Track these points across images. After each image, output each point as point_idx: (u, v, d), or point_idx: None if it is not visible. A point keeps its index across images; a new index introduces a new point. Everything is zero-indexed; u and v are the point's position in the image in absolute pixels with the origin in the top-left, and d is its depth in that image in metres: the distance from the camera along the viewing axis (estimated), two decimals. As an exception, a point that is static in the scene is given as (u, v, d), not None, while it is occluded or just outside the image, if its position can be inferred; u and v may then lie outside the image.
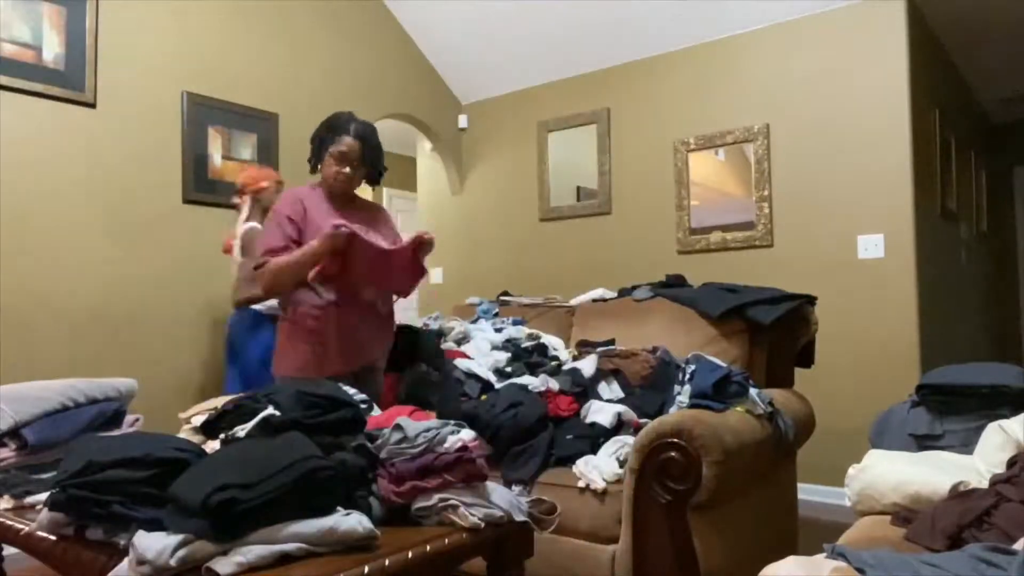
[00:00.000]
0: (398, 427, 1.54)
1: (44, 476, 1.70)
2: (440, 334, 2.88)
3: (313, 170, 2.53)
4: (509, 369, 2.61)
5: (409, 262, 2.36)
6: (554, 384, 2.37)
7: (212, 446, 1.60)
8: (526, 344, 2.75)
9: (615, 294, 3.03)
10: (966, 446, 1.75)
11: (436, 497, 1.46)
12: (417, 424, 1.56)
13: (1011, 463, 1.51)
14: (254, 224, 3.02)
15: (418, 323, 2.98)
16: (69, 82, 2.95)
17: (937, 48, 4.10)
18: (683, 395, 2.16)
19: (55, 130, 2.93)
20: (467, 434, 1.55)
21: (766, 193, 3.71)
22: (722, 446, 1.83)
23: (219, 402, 1.81)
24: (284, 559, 1.20)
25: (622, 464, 1.98)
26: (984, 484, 1.49)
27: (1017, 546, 1.10)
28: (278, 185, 3.17)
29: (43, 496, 1.54)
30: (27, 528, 1.46)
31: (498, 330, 2.92)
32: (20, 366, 2.75)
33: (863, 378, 3.41)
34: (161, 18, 3.28)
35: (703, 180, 3.93)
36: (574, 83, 4.49)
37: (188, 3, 3.38)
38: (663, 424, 1.88)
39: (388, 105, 4.39)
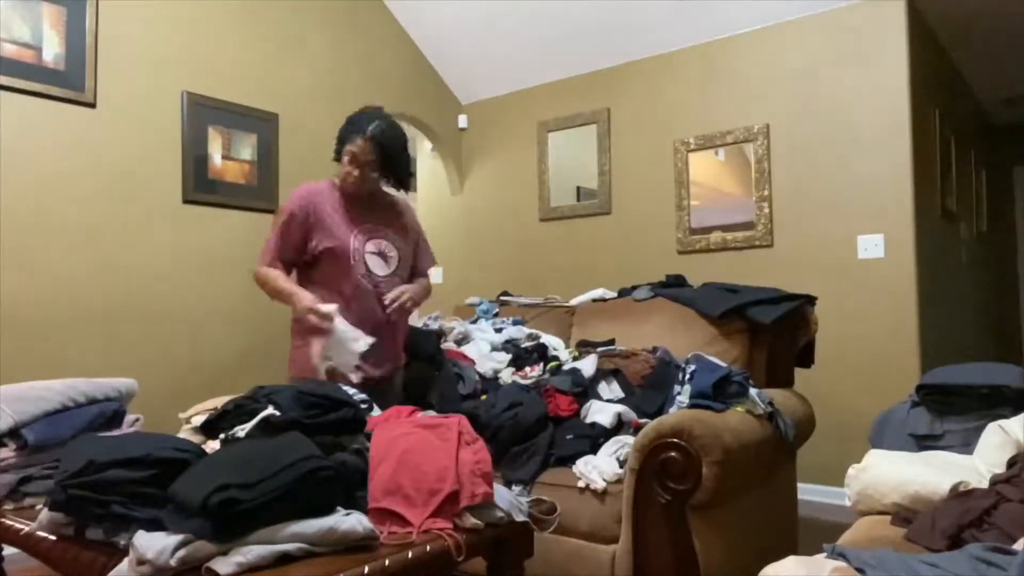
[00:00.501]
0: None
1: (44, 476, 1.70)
2: (440, 334, 2.88)
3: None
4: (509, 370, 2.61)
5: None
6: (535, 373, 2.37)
7: (212, 446, 1.60)
8: (526, 344, 2.75)
9: (615, 294, 3.03)
10: (966, 446, 1.75)
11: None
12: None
13: (1011, 463, 1.51)
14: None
15: (418, 323, 2.98)
16: (69, 82, 2.95)
17: (937, 48, 4.10)
18: (683, 395, 2.16)
19: (55, 130, 2.93)
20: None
21: (766, 193, 3.71)
22: (722, 446, 1.83)
23: (219, 402, 1.81)
24: (284, 559, 1.20)
25: (622, 464, 1.98)
26: (984, 484, 1.49)
27: (1017, 546, 1.10)
28: None
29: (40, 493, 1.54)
30: (27, 528, 1.46)
31: (498, 330, 2.93)
32: (20, 366, 2.74)
33: (863, 378, 3.40)
34: (161, 18, 3.27)
35: (703, 180, 3.93)
36: (574, 83, 4.49)
37: (188, 3, 3.38)
38: (663, 424, 1.88)
39: (388, 105, 4.34)
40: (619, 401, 2.28)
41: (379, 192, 2.48)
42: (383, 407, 1.99)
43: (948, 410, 1.87)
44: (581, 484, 1.96)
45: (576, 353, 2.65)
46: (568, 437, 2.15)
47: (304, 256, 2.38)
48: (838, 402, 3.38)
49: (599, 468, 1.98)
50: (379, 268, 2.39)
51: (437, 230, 4.80)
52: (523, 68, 4.58)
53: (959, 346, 4.19)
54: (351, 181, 2.35)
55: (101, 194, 3.06)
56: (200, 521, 1.17)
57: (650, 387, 2.31)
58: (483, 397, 2.39)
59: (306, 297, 2.25)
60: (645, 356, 2.42)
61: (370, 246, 2.39)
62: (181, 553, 1.13)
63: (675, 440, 1.83)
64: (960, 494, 1.45)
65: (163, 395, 3.04)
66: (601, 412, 2.19)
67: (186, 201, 3.34)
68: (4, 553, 1.92)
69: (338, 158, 2.39)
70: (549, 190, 4.57)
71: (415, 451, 1.48)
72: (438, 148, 4.96)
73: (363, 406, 1.80)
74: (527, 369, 2.57)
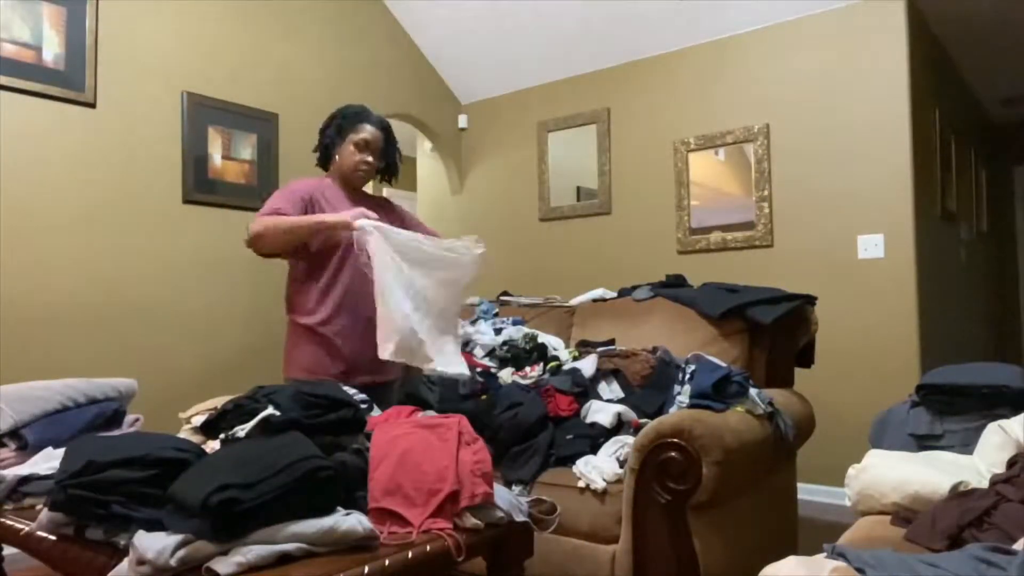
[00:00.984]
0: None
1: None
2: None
3: (322, 162, 2.48)
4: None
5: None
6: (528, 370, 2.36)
7: (212, 446, 1.60)
8: (525, 345, 2.75)
9: (615, 294, 3.03)
10: (966, 446, 1.75)
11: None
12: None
13: (1011, 463, 1.51)
14: None
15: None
16: (69, 82, 2.95)
17: (937, 48, 4.10)
18: (683, 395, 2.16)
19: (55, 130, 2.93)
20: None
21: (766, 193, 3.71)
22: (722, 446, 1.83)
23: (219, 402, 1.81)
24: (284, 559, 1.20)
25: (622, 464, 1.98)
26: (984, 484, 1.49)
27: (1017, 546, 1.10)
28: None
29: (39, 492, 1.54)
30: (27, 528, 1.46)
31: (498, 330, 2.92)
32: (20, 366, 2.74)
33: (863, 378, 3.41)
34: (161, 18, 3.27)
35: (703, 180, 3.93)
36: (574, 83, 4.49)
37: (188, 3, 3.38)
38: (663, 424, 1.88)
39: (388, 105, 4.39)
40: (619, 401, 2.27)
41: (366, 192, 2.47)
42: (383, 408, 1.99)
43: (948, 410, 1.87)
44: (581, 484, 1.96)
45: (576, 353, 2.65)
46: (568, 437, 2.15)
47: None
48: (838, 402, 3.39)
49: (599, 468, 1.98)
50: None
51: (437, 230, 4.79)
52: (523, 68, 4.58)
53: (959, 346, 4.19)
54: (365, 168, 2.33)
55: (101, 194, 3.06)
56: (200, 521, 1.17)
57: (650, 387, 2.31)
58: (483, 397, 2.39)
59: (335, 214, 2.13)
60: (645, 356, 2.41)
61: None
62: (181, 553, 1.13)
63: (675, 440, 1.83)
64: (960, 494, 1.45)
65: (163, 395, 3.04)
66: (601, 412, 2.19)
67: (186, 201, 3.34)
68: (4, 553, 1.92)
69: (329, 153, 2.37)
70: (549, 190, 4.57)
71: (415, 451, 1.48)
72: (438, 148, 4.96)
73: (363, 406, 1.80)
74: (527, 369, 2.56)
